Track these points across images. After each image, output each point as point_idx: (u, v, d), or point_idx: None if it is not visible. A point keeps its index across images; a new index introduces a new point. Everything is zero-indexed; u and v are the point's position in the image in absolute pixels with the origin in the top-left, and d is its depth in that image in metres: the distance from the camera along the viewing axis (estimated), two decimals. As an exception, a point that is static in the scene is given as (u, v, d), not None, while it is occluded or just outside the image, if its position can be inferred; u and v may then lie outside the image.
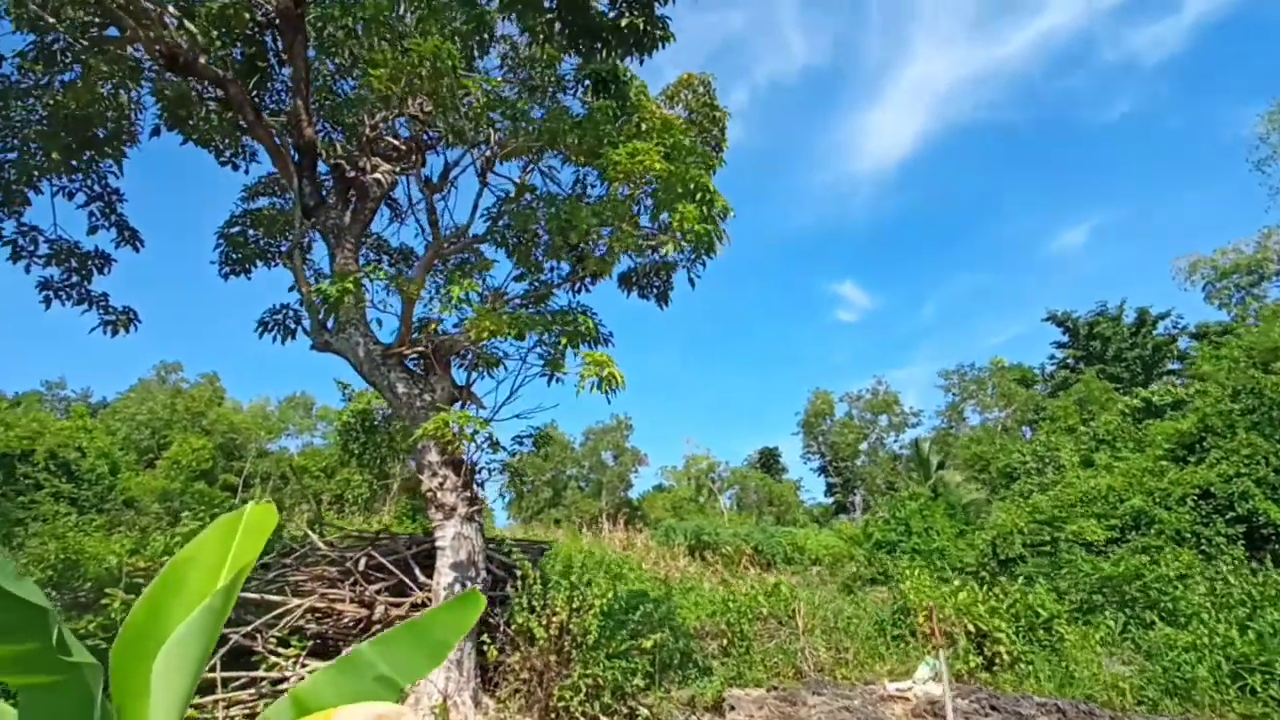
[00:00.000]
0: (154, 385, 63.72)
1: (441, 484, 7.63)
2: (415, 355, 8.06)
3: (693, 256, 8.48)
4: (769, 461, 53.85)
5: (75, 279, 8.72)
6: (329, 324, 8.16)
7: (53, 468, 27.25)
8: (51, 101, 8.38)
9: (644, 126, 8.85)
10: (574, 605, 7.62)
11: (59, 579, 8.91)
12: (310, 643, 7.28)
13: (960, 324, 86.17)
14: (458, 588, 7.44)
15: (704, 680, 9.37)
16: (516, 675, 7.83)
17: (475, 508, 7.76)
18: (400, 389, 7.84)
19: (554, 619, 7.40)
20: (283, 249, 11.75)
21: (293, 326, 8.18)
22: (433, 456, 7.72)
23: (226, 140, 10.22)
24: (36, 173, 8.39)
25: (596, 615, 7.85)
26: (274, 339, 8.11)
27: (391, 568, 7.80)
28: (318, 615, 7.36)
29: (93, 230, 8.80)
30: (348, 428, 29.42)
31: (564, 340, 7.25)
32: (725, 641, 11.24)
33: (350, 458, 30.94)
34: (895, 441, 50.34)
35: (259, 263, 11.39)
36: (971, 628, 11.43)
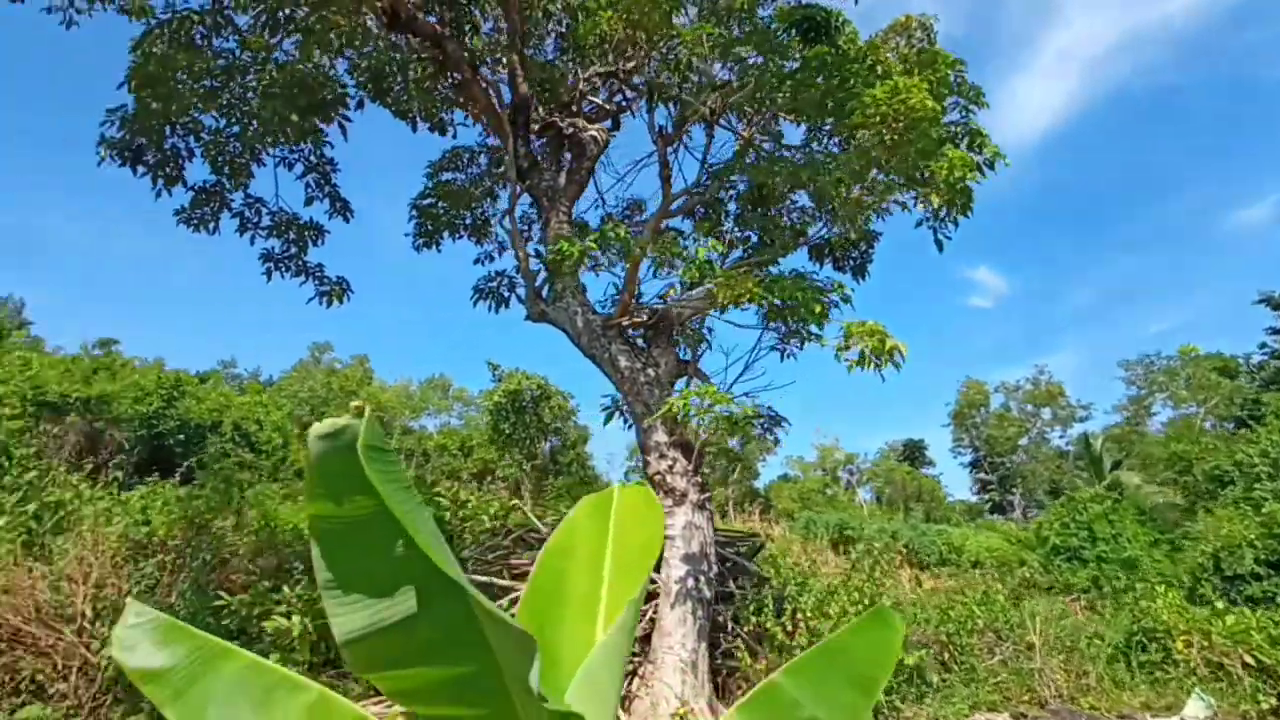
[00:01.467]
0: (310, 365, 68.77)
1: (670, 467, 6.97)
2: (638, 327, 7.43)
3: (945, 215, 7.34)
4: (914, 454, 50.73)
5: (293, 250, 8.75)
6: (545, 293, 7.68)
7: (237, 438, 29.60)
8: (274, 73, 8.38)
9: (879, 69, 7.75)
10: (819, 608, 6.78)
11: (262, 545, 9.02)
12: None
13: (1114, 310, 78.18)
14: (690, 582, 6.77)
15: (935, 698, 8.28)
16: (750, 681, 7.09)
17: (706, 494, 7.05)
18: (622, 362, 7.23)
19: (798, 621, 6.59)
20: (467, 222, 11.56)
21: (506, 295, 7.79)
22: (660, 437, 7.07)
23: (422, 111, 10.05)
24: (260, 145, 8.42)
25: (840, 617, 6.98)
26: (489, 308, 7.76)
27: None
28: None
29: (309, 201, 8.81)
30: (498, 407, 30.08)
31: (818, 308, 6.34)
32: (945, 656, 10.04)
33: (500, 437, 31.65)
34: (1061, 437, 46.01)
35: (446, 235, 11.28)
36: (1251, 660, 9.61)
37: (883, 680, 2.57)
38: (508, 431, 29.31)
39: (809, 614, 6.76)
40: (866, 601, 7.13)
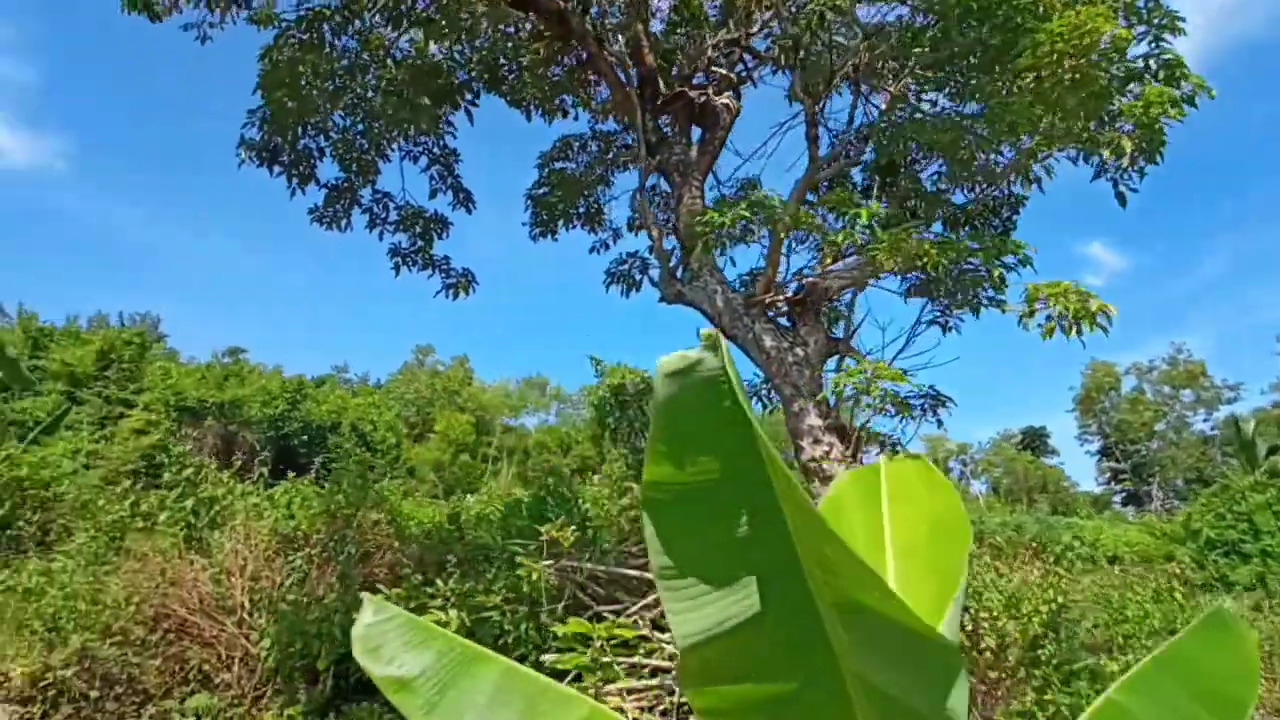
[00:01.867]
0: (414, 367, 71.57)
1: (827, 453, 6.42)
2: (783, 304, 6.92)
3: (1133, 162, 6.44)
4: (1035, 442, 47.59)
5: (420, 244, 8.74)
6: (679, 273, 7.28)
7: (354, 438, 31.01)
8: (394, 69, 8.38)
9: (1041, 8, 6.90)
10: (1010, 606, 6.09)
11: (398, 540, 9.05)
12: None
13: (1249, 282, 71.02)
14: (852, 577, 6.20)
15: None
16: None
17: (865, 482, 6.45)
18: (768, 342, 6.74)
19: (980, 621, 5.93)
20: (580, 210, 11.34)
21: (638, 278, 7.45)
22: (813, 420, 6.53)
23: (535, 99, 9.88)
24: (385, 140, 8.43)
25: (1042, 621, 6.25)
26: (621, 292, 7.46)
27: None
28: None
29: (433, 194, 8.79)
30: (602, 402, 30.17)
31: (996, 272, 5.65)
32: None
33: (605, 432, 31.80)
34: (1205, 420, 41.85)
35: (561, 224, 11.11)
36: None
37: (1250, 701, 2.02)
38: (612, 426, 29.55)
39: (997, 613, 6.06)
40: (1060, 600, 6.36)
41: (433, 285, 8.74)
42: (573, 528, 5.54)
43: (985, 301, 5.82)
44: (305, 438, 29.35)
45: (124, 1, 8.43)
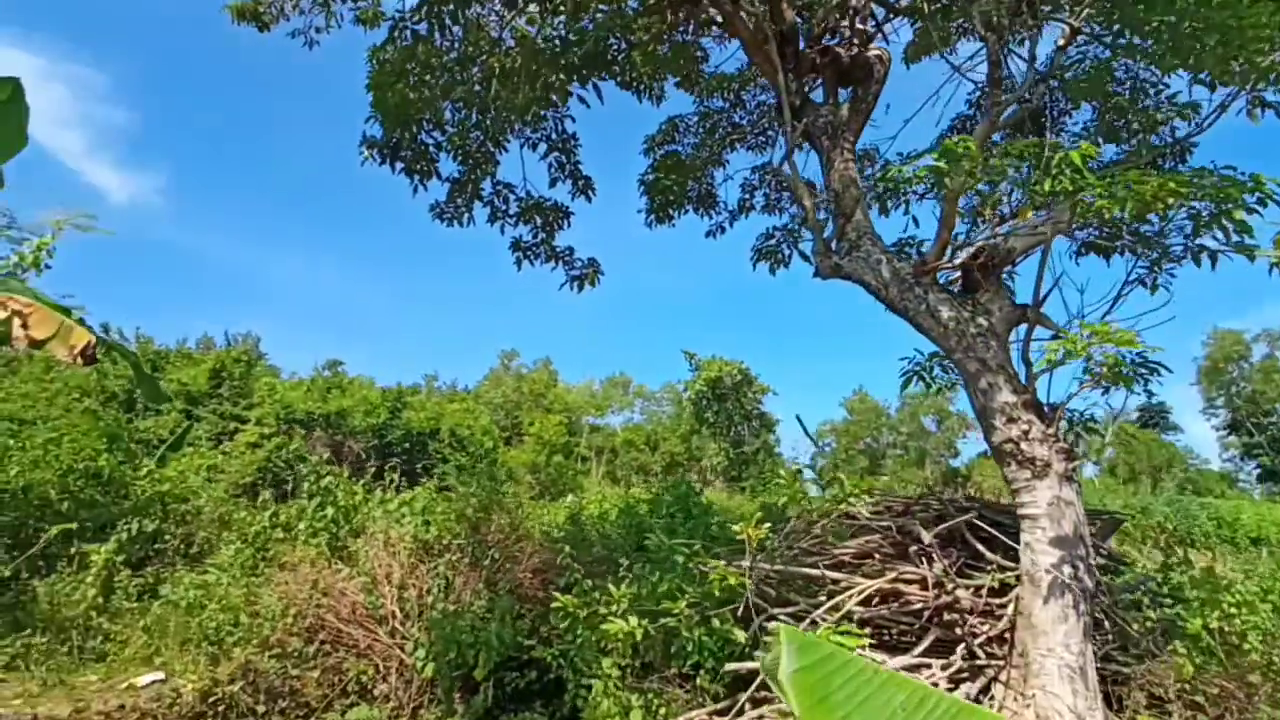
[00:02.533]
0: (500, 372, 72.86)
1: (1026, 433, 5.67)
2: (958, 269, 6.19)
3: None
4: (1156, 418, 44.01)
5: (542, 235, 8.40)
6: (834, 244, 6.64)
7: (453, 443, 31.56)
8: (503, 56, 8.06)
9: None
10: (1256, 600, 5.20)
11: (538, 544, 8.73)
12: (867, 631, 5.84)
13: None
14: (1066, 570, 5.44)
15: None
16: (1149, 694, 5.64)
17: (1073, 463, 5.68)
18: (945, 313, 6.02)
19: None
20: (691, 194, 10.84)
21: (787, 253, 6.85)
22: (1006, 397, 5.78)
23: (645, 80, 9.42)
24: (502, 130, 8.12)
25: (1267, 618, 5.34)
26: (769, 269, 6.87)
27: (974, 540, 6.07)
28: (868, 597, 5.91)
29: (553, 183, 8.43)
30: (700, 396, 29.64)
31: (1235, 213, 4.77)
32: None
33: (703, 425, 31.20)
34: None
35: (678, 209, 10.68)
36: None
37: None
38: (710, 420, 28.83)
39: (1238, 610, 5.18)
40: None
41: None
42: (767, 525, 5.01)
43: (1223, 248, 4.94)
44: (407, 445, 29.99)
45: (233, 13, 8.43)
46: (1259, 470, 39.49)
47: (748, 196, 11.42)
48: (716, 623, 5.73)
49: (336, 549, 8.16)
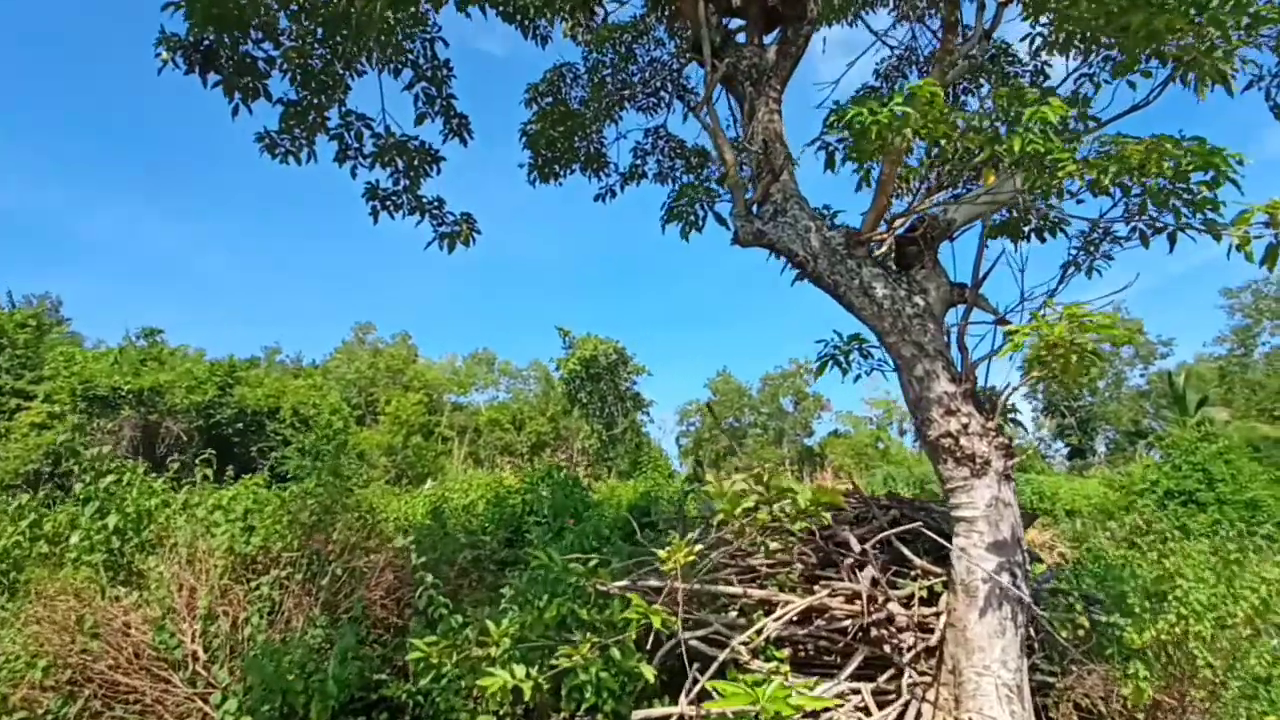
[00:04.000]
0: (354, 346, 67.99)
1: (965, 426, 5.08)
2: (892, 243, 5.47)
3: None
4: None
5: (405, 182, 6.90)
6: (756, 209, 5.74)
7: (296, 424, 28.40)
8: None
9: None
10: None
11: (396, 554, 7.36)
12: (785, 652, 5.08)
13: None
14: (1005, 578, 4.92)
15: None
16: (1077, 705, 5.28)
17: (1013, 460, 5.16)
18: (879, 291, 5.29)
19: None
20: (580, 151, 9.71)
21: (700, 215, 5.86)
22: (944, 387, 5.16)
23: (529, 13, 8.12)
24: (355, 51, 6.52)
25: (1210, 627, 5.09)
26: (680, 231, 5.84)
27: (898, 543, 5.38)
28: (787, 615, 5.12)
29: (420, 119, 6.91)
30: (573, 375, 28.44)
31: (1203, 186, 4.32)
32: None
33: (575, 406, 30.03)
34: (1141, 375, 43.12)
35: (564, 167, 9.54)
36: None
37: None
38: (584, 400, 27.56)
39: (1187, 619, 4.85)
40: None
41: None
42: (695, 545, 4.01)
43: (1191, 225, 4.49)
44: (240, 426, 26.61)
45: None
46: (1068, 449, 44.21)
47: (639, 163, 10.40)
48: (617, 654, 4.70)
49: (119, 569, 6.34)
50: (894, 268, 5.59)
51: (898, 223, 5.53)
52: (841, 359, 6.53)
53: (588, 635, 4.99)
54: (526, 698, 3.69)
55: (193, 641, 5.60)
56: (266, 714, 5.20)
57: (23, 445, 21.53)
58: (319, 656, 5.68)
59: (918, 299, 5.35)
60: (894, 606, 4.97)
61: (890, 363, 5.60)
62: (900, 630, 5.09)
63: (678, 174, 10.58)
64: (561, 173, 9.25)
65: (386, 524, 8.53)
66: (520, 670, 3.73)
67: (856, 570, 5.26)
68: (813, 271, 5.52)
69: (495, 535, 8.78)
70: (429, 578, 5.19)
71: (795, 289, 5.87)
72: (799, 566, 5.32)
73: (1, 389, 26.01)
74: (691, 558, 3.91)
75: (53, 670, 5.13)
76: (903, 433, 51.90)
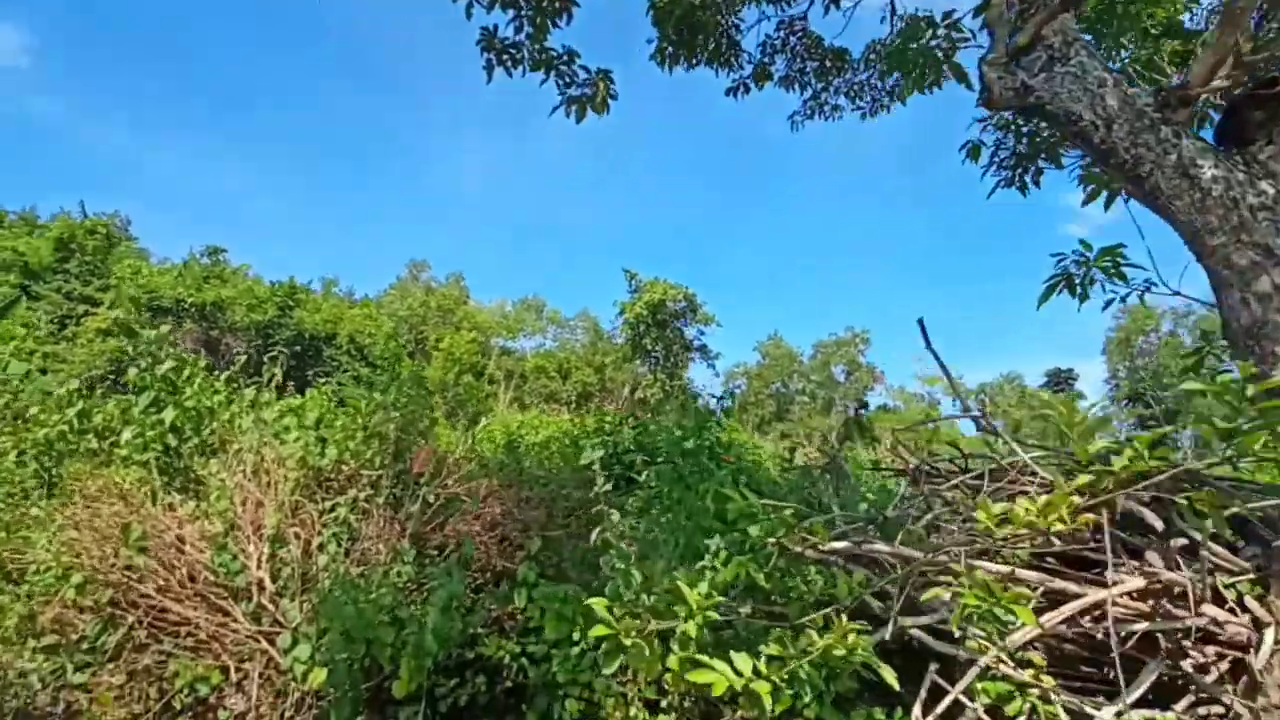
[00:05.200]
0: (408, 283, 67.90)
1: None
2: (1220, 103, 3.92)
3: None
4: (1062, 385, 45.36)
5: (529, 29, 5.53)
6: (1020, 61, 4.20)
7: (352, 351, 27.86)
8: None
9: None
10: None
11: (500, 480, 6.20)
12: (1038, 655, 3.73)
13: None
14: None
15: None
16: None
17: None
18: (1207, 171, 3.76)
19: None
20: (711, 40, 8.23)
21: (929, 70, 4.35)
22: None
23: None
24: None
25: None
26: (903, 86, 4.34)
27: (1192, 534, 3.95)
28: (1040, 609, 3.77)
29: (551, -54, 5.49)
30: (638, 320, 27.12)
31: None
32: None
33: (638, 353, 28.83)
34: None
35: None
36: None
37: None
38: (648, 347, 25.98)
39: None
40: None
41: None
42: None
43: None
44: (298, 349, 26.12)
45: None
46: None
47: (766, 60, 8.86)
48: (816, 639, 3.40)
49: (174, 473, 5.31)
50: (1219, 144, 4.03)
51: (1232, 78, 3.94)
52: (1081, 279, 5.02)
53: (758, 609, 3.75)
54: (768, 709, 2.43)
55: (258, 567, 4.51)
56: (344, 665, 4.10)
57: (88, 350, 21.27)
58: (408, 599, 4.57)
59: (1265, 185, 3.79)
60: (1214, 610, 3.56)
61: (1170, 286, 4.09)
62: (1206, 641, 3.69)
63: (809, 77, 9.07)
64: (700, 54, 7.78)
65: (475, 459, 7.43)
66: (745, 662, 2.47)
67: (1172, 557, 3.84)
68: (1103, 143, 3.99)
69: (572, 477, 7.61)
70: (613, 514, 3.94)
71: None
72: (1056, 545, 3.93)
73: (70, 295, 25.94)
74: (1065, 514, 2.56)
75: (90, 588, 4.09)
76: (966, 410, 49.34)
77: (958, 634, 3.61)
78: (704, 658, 2.59)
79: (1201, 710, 3.79)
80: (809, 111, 9.10)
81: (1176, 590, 3.77)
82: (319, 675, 4.20)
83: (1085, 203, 6.11)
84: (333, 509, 5.18)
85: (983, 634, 3.63)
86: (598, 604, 2.86)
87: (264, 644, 4.32)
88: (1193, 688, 3.78)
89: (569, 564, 5.08)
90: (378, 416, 6.02)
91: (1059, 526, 3.01)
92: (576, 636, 3.85)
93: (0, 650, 3.87)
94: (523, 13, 5.54)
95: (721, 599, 3.01)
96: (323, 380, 26.74)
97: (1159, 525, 3.84)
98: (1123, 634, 3.79)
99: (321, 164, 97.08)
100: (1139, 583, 3.76)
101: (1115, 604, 3.72)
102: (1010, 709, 3.26)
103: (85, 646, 4.17)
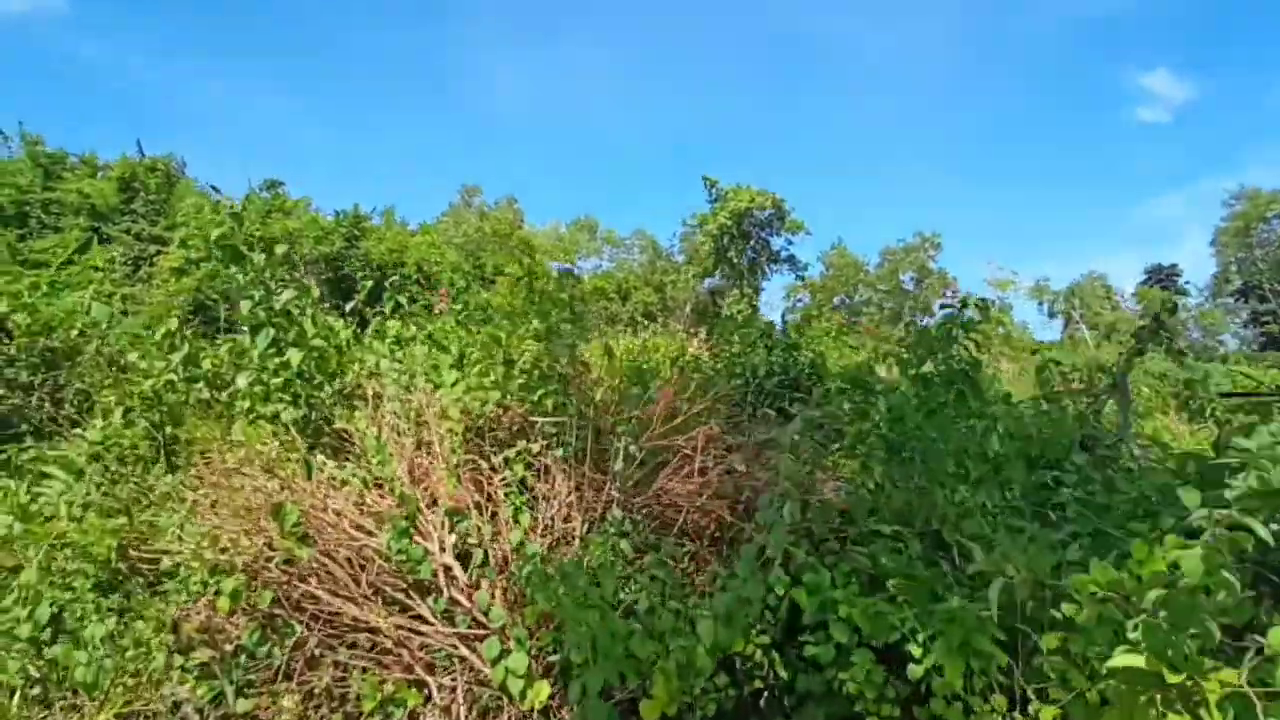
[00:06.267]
0: (461, 209, 66.78)
1: None
2: None
3: None
4: (1164, 281, 41.76)
5: None
6: None
7: (420, 280, 26.98)
8: None
9: None
10: None
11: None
12: None
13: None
14: None
15: None
16: None
17: None
18: None
19: None
20: None
21: None
22: None
23: None
24: None
25: None
26: None
27: None
28: None
29: None
30: (722, 231, 25.38)
31: None
32: None
33: (719, 266, 27.24)
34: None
35: None
36: None
37: None
38: (733, 260, 23.89)
39: None
40: None
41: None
42: None
43: None
44: (367, 280, 25.36)
45: None
46: (1263, 339, 38.06)
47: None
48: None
49: (308, 430, 4.28)
50: None
51: None
52: None
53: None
54: None
55: (441, 550, 3.48)
56: (579, 682, 3.07)
57: (164, 290, 20.90)
58: (633, 586, 3.50)
59: None
60: None
61: None
62: None
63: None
64: None
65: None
66: None
67: None
68: None
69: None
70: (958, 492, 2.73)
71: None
72: None
73: (140, 235, 25.57)
74: None
75: (245, 577, 3.10)
76: (1053, 315, 46.58)
77: None
78: None
79: None
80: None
81: None
82: (540, 691, 3.20)
83: None
84: (508, 466, 4.11)
85: None
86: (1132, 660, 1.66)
87: (464, 650, 3.32)
88: None
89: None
90: (532, 347, 4.87)
91: None
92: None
93: (141, 671, 2.94)
94: None
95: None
96: (400, 312, 26.12)
97: None
98: None
99: (358, 94, 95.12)
100: None
101: None
102: None
103: (243, 658, 3.23)
